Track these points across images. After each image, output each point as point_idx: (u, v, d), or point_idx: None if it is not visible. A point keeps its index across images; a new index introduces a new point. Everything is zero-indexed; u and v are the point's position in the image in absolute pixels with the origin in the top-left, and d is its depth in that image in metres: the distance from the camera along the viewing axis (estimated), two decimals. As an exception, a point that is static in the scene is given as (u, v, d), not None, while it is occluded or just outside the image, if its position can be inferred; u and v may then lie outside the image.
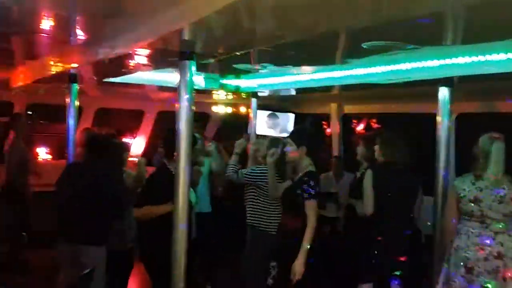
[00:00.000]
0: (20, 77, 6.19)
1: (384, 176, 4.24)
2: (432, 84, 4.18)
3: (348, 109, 7.62)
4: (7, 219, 5.94)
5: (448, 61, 3.81)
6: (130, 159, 5.63)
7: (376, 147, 4.43)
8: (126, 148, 5.33)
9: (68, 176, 4.33)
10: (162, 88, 6.90)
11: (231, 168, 4.68)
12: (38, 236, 4.44)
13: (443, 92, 4.08)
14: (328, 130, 8.32)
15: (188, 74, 3.08)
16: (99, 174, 4.14)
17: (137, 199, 4.24)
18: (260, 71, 5.15)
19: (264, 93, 6.64)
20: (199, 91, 5.89)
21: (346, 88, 5.92)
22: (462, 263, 3.52)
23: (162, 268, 3.26)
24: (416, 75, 4.10)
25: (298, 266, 3.67)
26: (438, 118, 4.14)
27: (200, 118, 8.69)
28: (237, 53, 3.58)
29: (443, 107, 4.10)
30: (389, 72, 4.27)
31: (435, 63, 3.93)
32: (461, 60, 3.68)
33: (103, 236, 4.16)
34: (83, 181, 4.12)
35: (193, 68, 3.10)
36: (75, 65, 4.42)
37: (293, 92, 6.78)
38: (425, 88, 4.86)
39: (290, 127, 8.32)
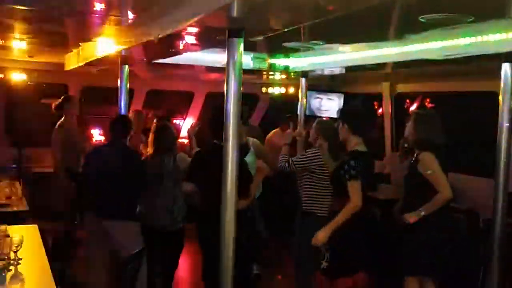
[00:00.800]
0: (74, 60, 6.31)
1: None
2: (494, 60, 3.94)
3: (401, 88, 7.37)
4: (60, 198, 6.12)
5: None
6: (181, 140, 5.71)
7: (409, 124, 4.17)
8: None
9: (94, 156, 4.71)
10: (211, 69, 6.88)
11: (282, 158, 4.56)
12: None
13: (506, 69, 3.83)
14: (380, 111, 8.10)
15: (237, 53, 3.01)
16: (119, 151, 4.51)
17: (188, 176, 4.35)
18: (310, 49, 5.01)
19: (314, 72, 6.49)
20: (248, 72, 5.81)
21: (399, 65, 5.71)
22: None
23: (214, 249, 3.22)
24: (476, 50, 3.87)
25: (320, 236, 3.76)
26: (500, 97, 3.90)
27: (249, 100, 8.71)
28: (287, 30, 3.46)
29: (506, 85, 3.86)
30: (447, 48, 4.05)
31: (497, 37, 3.70)
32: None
33: (129, 210, 4.42)
34: (105, 158, 4.52)
35: (241, 47, 3.03)
36: (126, 46, 4.44)
37: (343, 71, 6.61)
38: (485, 65, 4.62)
39: (340, 107, 8.16)
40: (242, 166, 3.38)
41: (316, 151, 4.36)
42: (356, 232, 3.80)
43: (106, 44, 4.83)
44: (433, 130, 4.00)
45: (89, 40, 5.25)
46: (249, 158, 4.49)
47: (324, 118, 7.77)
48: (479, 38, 3.84)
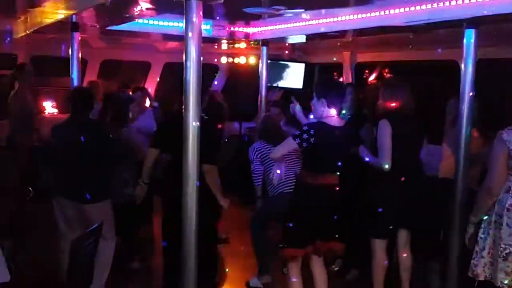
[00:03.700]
0: (22, 27, 5.97)
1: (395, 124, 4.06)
2: (456, 27, 3.91)
3: (361, 57, 7.33)
4: (12, 173, 5.87)
5: None
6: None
7: (380, 93, 4.26)
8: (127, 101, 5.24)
9: (60, 135, 4.25)
10: (169, 38, 6.66)
11: None
12: (42, 190, 4.38)
13: (469, 34, 3.80)
14: (340, 80, 8.08)
15: (195, 15, 2.86)
16: (88, 130, 4.12)
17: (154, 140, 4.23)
18: (270, 15, 4.88)
19: (274, 41, 6.36)
20: (207, 40, 5.64)
21: (360, 34, 5.65)
22: None
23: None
24: (439, 17, 3.83)
25: None
26: (463, 65, 3.88)
27: (208, 70, 8.53)
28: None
29: (468, 53, 3.84)
30: (409, 14, 4.00)
31: (460, 1, 3.67)
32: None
33: (105, 191, 4.16)
34: (73, 137, 4.07)
35: (200, 9, 2.88)
36: (76, 10, 4.19)
37: (304, 40, 6.50)
38: (445, 33, 4.60)
39: (300, 77, 8.08)
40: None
41: None
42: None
43: (54, 9, 4.56)
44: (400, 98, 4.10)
45: (37, 5, 4.96)
46: None
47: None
48: (441, 4, 3.81)
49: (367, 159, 4.12)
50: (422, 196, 4.15)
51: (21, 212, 4.56)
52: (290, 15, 4.85)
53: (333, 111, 3.73)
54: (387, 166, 4.00)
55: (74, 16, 4.53)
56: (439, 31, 4.63)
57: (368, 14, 4.40)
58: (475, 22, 3.73)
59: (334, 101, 3.73)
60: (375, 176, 4.17)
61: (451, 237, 3.98)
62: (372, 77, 9.65)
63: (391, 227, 4.19)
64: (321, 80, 4.17)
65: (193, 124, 2.97)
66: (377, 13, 4.31)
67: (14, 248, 3.60)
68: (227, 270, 5.14)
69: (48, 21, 4.86)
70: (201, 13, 2.90)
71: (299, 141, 3.60)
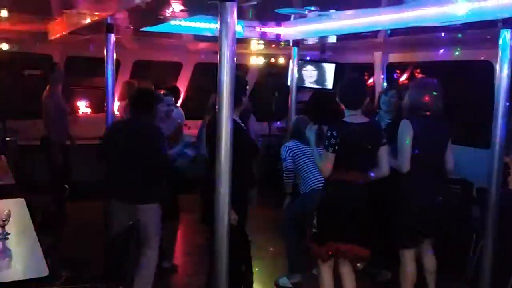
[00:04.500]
0: (58, 29, 6.11)
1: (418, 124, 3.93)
2: (491, 27, 3.85)
3: (393, 58, 7.27)
4: (47, 172, 6.02)
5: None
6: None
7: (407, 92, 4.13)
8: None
9: (117, 134, 4.25)
10: (200, 39, 6.72)
11: None
12: (78, 189, 4.46)
13: (505, 35, 3.74)
14: (370, 81, 8.03)
15: (230, 17, 2.89)
16: (150, 131, 4.10)
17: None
18: (302, 16, 4.89)
19: (306, 41, 6.37)
20: (238, 41, 5.68)
21: (392, 34, 5.60)
22: None
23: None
24: (474, 17, 3.78)
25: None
26: (498, 65, 3.82)
27: (237, 70, 8.54)
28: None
29: (504, 52, 3.77)
30: (445, 14, 3.96)
31: (496, 2, 3.62)
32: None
33: (158, 193, 4.13)
34: (135, 139, 4.07)
35: (235, 11, 2.90)
36: (111, 13, 4.27)
37: (335, 40, 6.49)
38: (480, 33, 4.54)
39: (331, 77, 8.07)
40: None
41: None
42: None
43: (90, 11, 4.66)
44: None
45: (73, 7, 5.07)
46: None
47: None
48: (476, 4, 3.76)
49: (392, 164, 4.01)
50: (447, 201, 4.03)
51: (58, 209, 4.68)
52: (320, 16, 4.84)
53: (353, 110, 3.73)
54: (405, 169, 3.91)
55: (109, 17, 4.61)
56: (473, 31, 4.56)
57: (401, 14, 4.37)
58: (510, 22, 3.67)
59: (348, 101, 3.73)
60: (400, 178, 4.04)
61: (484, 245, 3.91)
62: (403, 78, 9.56)
63: (417, 235, 4.07)
64: (340, 81, 4.12)
65: (226, 124, 2.99)
66: (411, 13, 4.27)
67: (52, 244, 3.69)
68: (256, 269, 5.16)
69: (83, 22, 4.96)
70: (235, 14, 2.92)
71: (331, 148, 3.63)
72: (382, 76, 7.45)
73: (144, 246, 4.03)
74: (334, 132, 3.61)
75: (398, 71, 9.44)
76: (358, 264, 4.70)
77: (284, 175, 4.88)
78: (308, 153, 4.64)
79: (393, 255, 4.36)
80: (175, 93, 6.38)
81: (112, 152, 4.16)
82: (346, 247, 3.76)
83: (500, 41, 3.77)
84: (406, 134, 3.89)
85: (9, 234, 3.26)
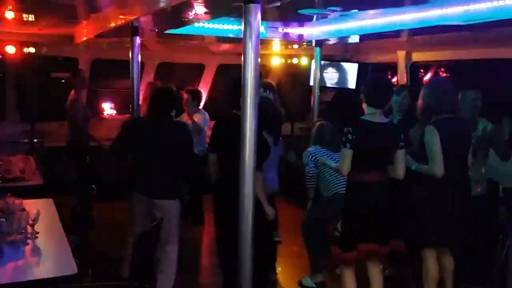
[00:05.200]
0: (83, 32, 6.23)
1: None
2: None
3: (416, 57, 7.20)
4: (74, 173, 6.12)
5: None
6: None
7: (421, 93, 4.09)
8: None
9: (138, 131, 4.33)
10: (222, 41, 6.77)
11: None
12: (103, 189, 4.54)
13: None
14: (394, 80, 7.96)
15: (254, 19, 2.90)
16: (173, 128, 4.18)
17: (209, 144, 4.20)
18: (324, 16, 4.88)
19: (328, 41, 6.37)
20: (261, 42, 5.70)
21: (415, 33, 5.56)
22: None
23: (230, 221, 3.19)
24: (499, 15, 3.73)
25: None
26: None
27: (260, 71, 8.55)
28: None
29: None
30: (469, 12, 3.92)
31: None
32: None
33: (179, 190, 4.21)
34: (158, 136, 4.14)
35: (259, 13, 2.92)
36: (136, 16, 4.34)
37: (357, 40, 6.46)
38: (507, 30, 4.48)
39: (353, 77, 8.03)
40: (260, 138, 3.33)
41: None
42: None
43: (116, 14, 4.74)
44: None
45: (99, 11, 5.15)
46: None
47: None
48: (501, 2, 3.72)
49: (413, 167, 3.99)
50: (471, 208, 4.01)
51: (85, 209, 4.76)
52: (345, 16, 4.83)
53: (374, 109, 3.72)
54: (439, 174, 3.84)
55: (134, 20, 4.67)
56: (498, 29, 4.51)
57: (424, 13, 4.34)
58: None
59: (373, 100, 3.72)
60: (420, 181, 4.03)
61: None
62: (427, 77, 9.46)
63: (441, 236, 4.02)
64: (366, 79, 4.11)
65: (251, 125, 3.01)
66: (434, 12, 4.24)
67: (80, 243, 3.76)
68: (279, 269, 5.18)
69: (109, 26, 5.04)
70: (259, 16, 2.94)
71: (348, 144, 3.63)
72: (406, 76, 7.38)
73: (163, 242, 4.07)
74: (351, 129, 3.62)
75: (422, 70, 9.35)
76: (386, 271, 4.67)
77: (307, 179, 4.91)
78: (330, 158, 4.66)
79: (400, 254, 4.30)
80: (197, 96, 6.43)
81: (135, 147, 4.24)
82: (372, 246, 3.76)
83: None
84: (434, 140, 3.85)
85: (38, 233, 3.34)
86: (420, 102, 4.12)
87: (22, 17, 5.61)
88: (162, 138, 4.16)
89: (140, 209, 4.23)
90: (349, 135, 3.62)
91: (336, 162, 4.21)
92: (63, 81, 7.64)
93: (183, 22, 4.54)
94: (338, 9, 4.43)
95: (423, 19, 4.41)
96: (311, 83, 7.16)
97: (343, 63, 8.08)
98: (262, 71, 8.66)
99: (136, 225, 4.23)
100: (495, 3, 3.77)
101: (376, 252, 3.81)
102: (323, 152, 4.84)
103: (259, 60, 3.01)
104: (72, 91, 6.70)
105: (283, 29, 5.76)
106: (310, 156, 4.91)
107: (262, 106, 3.23)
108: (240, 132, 2.98)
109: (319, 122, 5.28)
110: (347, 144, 3.63)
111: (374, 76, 4.10)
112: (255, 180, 3.75)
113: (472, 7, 3.91)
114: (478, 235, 4.23)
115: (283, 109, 4.92)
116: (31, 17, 5.57)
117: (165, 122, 4.25)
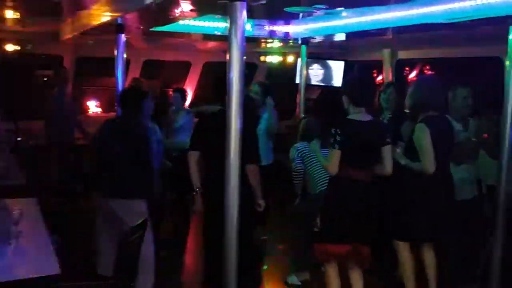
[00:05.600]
0: (68, 29, 6.17)
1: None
2: (500, 24, 3.83)
3: (402, 55, 7.24)
4: (57, 173, 6.09)
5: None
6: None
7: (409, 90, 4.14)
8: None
9: (109, 133, 4.30)
10: (208, 38, 6.75)
11: None
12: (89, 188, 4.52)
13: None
14: (379, 78, 8.00)
15: (240, 17, 2.90)
16: (140, 130, 4.15)
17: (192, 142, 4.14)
18: (311, 14, 4.90)
19: (314, 39, 6.38)
20: (247, 40, 5.70)
21: (400, 31, 5.59)
22: None
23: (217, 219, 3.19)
24: (484, 13, 3.76)
25: None
26: (508, 62, 3.80)
27: (246, 69, 8.55)
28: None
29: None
30: (453, 11, 3.94)
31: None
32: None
33: (147, 189, 4.18)
34: (126, 137, 4.11)
35: (245, 11, 2.92)
36: (121, 13, 4.31)
37: (343, 38, 6.48)
38: (489, 29, 4.52)
39: (339, 75, 8.05)
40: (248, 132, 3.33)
41: None
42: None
43: (101, 11, 4.70)
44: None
45: (84, 8, 5.11)
46: None
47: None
48: (485, 0, 3.75)
49: (403, 162, 4.05)
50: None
51: (65, 208, 4.73)
52: (331, 14, 4.85)
53: (359, 108, 3.74)
54: (431, 170, 3.89)
55: (119, 18, 4.64)
56: (481, 28, 4.55)
57: (410, 11, 4.36)
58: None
59: (355, 98, 3.74)
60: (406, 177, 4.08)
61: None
62: (412, 75, 9.52)
63: (424, 231, 4.09)
64: (347, 80, 4.14)
65: (236, 122, 3.01)
66: (419, 10, 4.27)
67: (63, 242, 3.73)
68: (265, 267, 5.19)
69: (94, 23, 5.00)
70: (244, 14, 2.94)
71: (337, 146, 3.65)
72: (391, 73, 7.41)
73: None
74: (338, 129, 3.64)
75: (407, 68, 9.41)
76: (395, 274, 4.68)
77: (294, 175, 4.91)
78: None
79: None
80: (182, 94, 6.41)
81: (102, 150, 4.23)
82: (346, 248, 3.77)
83: (510, 37, 3.75)
84: (424, 136, 3.89)
85: (21, 232, 3.30)
86: (407, 99, 4.15)
87: (6, 14, 5.55)
88: (122, 140, 4.10)
89: (104, 211, 4.18)
90: (337, 136, 3.64)
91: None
92: (45, 79, 7.58)
93: (168, 19, 4.52)
94: (324, 7, 4.44)
95: (407, 17, 4.42)
96: (297, 81, 7.17)
97: (329, 61, 8.10)
98: (248, 68, 8.77)
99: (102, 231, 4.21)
100: (478, 2, 3.80)
101: (348, 255, 3.82)
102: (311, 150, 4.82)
103: (245, 58, 3.02)
104: (56, 88, 6.64)
105: (269, 27, 5.76)
106: (297, 152, 4.90)
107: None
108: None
109: (304, 119, 5.29)
110: (336, 145, 3.65)
111: (357, 76, 4.10)
112: (252, 174, 3.81)
113: (457, 5, 3.93)
114: (466, 233, 4.27)
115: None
116: (16, 15, 5.51)
117: (123, 123, 4.22)
